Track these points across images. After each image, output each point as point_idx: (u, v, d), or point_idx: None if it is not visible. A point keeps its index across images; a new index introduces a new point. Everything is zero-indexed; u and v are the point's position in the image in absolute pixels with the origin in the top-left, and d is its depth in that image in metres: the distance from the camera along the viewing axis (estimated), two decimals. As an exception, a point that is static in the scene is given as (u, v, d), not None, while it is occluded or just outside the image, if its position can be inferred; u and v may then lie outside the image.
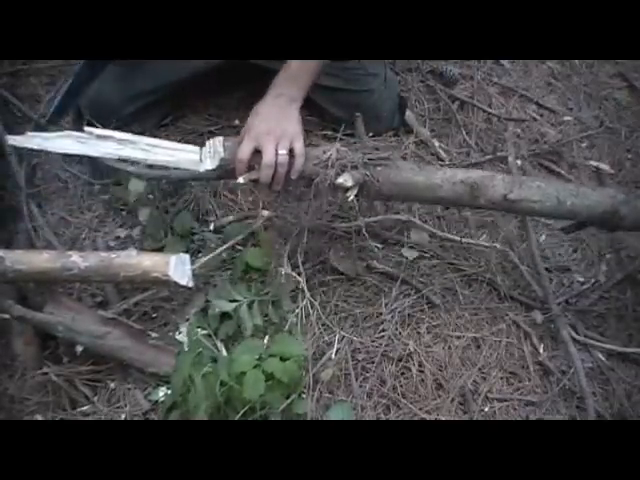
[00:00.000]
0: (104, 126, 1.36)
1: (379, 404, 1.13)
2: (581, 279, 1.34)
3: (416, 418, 1.11)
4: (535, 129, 1.63)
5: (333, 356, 1.15)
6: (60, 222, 1.33)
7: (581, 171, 1.56)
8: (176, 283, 1.06)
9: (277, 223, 1.28)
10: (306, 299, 1.16)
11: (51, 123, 1.37)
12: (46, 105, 1.47)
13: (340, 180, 1.05)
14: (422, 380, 1.16)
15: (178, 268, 1.06)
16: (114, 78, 1.35)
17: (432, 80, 1.67)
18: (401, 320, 1.22)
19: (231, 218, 1.32)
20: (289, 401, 1.04)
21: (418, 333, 1.22)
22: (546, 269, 1.32)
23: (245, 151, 1.05)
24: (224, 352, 1.12)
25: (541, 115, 1.67)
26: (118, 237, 1.31)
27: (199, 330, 1.14)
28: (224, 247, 1.18)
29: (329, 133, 1.50)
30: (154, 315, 1.20)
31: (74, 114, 1.39)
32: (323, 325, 1.19)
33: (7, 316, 1.10)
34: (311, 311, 1.17)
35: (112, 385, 1.12)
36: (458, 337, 1.22)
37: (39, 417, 1.08)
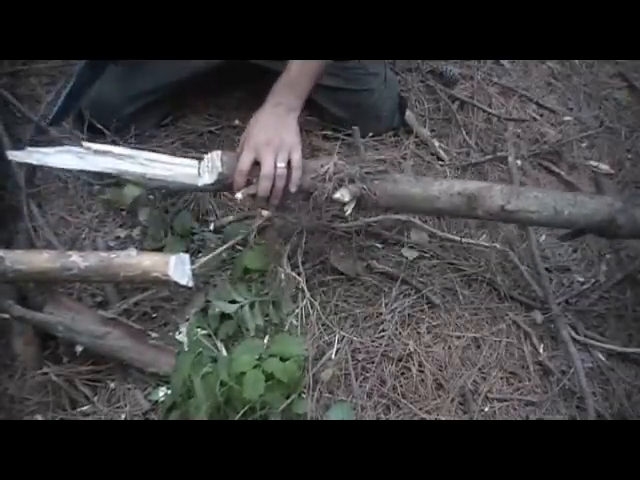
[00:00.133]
0: (104, 126, 1.37)
1: (379, 404, 1.13)
2: (581, 279, 1.34)
3: (416, 418, 1.11)
4: (535, 129, 1.63)
5: (333, 356, 1.15)
6: (60, 222, 1.33)
7: (581, 171, 1.56)
8: (176, 283, 1.06)
9: (277, 223, 1.28)
10: (306, 299, 1.16)
11: (53, 125, 1.38)
12: (47, 106, 1.46)
13: (337, 195, 1.05)
14: (422, 380, 1.16)
15: (178, 268, 1.06)
16: (114, 78, 1.35)
17: (432, 80, 1.67)
18: (401, 320, 1.22)
19: (231, 218, 1.33)
20: (289, 401, 1.04)
21: (418, 333, 1.22)
22: (546, 269, 1.32)
23: (245, 162, 1.05)
24: (224, 352, 1.12)
25: (541, 115, 1.67)
26: (118, 237, 1.31)
27: (199, 330, 1.14)
28: (224, 247, 1.18)
29: (329, 133, 1.50)
30: (154, 315, 1.20)
31: (75, 115, 1.39)
32: (323, 325, 1.19)
33: (7, 316, 1.10)
34: (311, 311, 1.17)
35: (112, 385, 1.12)
36: (458, 337, 1.22)
37: (39, 417, 1.08)
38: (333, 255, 1.26)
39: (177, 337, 1.16)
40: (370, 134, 1.50)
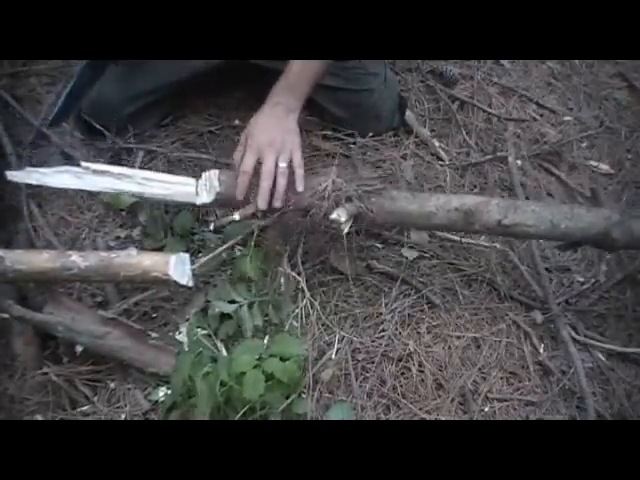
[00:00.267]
0: (104, 126, 1.37)
1: (379, 404, 1.13)
2: (581, 279, 1.34)
3: (416, 418, 1.11)
4: (535, 129, 1.63)
5: (333, 356, 1.15)
6: (60, 222, 1.33)
7: (581, 171, 1.56)
8: (176, 283, 1.06)
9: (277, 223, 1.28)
10: (306, 299, 1.16)
11: (53, 126, 1.38)
12: (48, 108, 1.46)
13: (334, 216, 1.06)
14: (422, 380, 1.16)
15: (178, 268, 1.06)
16: (114, 78, 1.35)
17: (432, 80, 1.67)
18: (401, 320, 1.22)
19: (231, 218, 1.32)
20: (289, 401, 1.04)
21: (418, 333, 1.22)
22: (546, 269, 1.32)
23: (249, 163, 1.06)
24: (224, 352, 1.12)
25: (541, 115, 1.67)
26: (118, 237, 1.31)
27: (199, 330, 1.15)
28: (224, 247, 1.18)
29: (329, 133, 1.50)
30: (154, 315, 1.20)
31: (75, 116, 1.39)
32: (323, 325, 1.19)
33: (7, 316, 1.10)
34: (311, 311, 1.17)
35: (112, 385, 1.12)
36: (458, 337, 1.22)
37: (39, 417, 1.08)
38: (333, 255, 1.26)
39: (177, 337, 1.16)
40: (370, 134, 1.50)
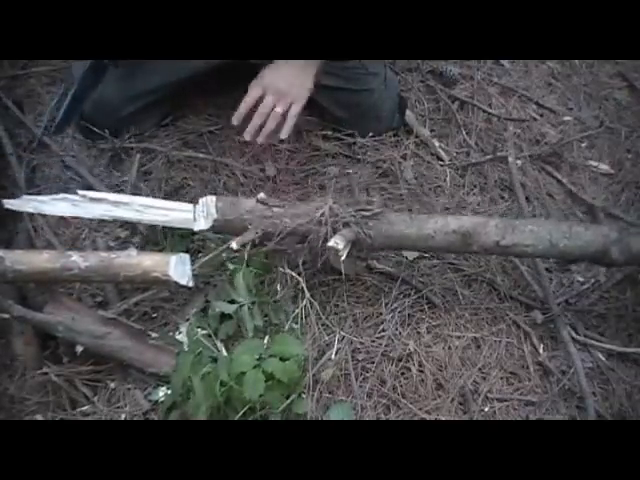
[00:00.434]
0: (105, 127, 1.37)
1: (379, 404, 1.13)
2: (581, 279, 1.34)
3: (416, 418, 1.11)
4: (535, 129, 1.62)
5: (333, 356, 1.15)
6: (60, 222, 1.33)
7: (581, 171, 1.56)
8: (176, 283, 1.06)
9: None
10: (306, 299, 1.16)
11: (56, 134, 1.38)
12: (49, 113, 1.46)
13: (331, 243, 1.06)
14: (422, 380, 1.16)
15: (178, 268, 1.06)
16: (114, 78, 1.35)
17: (432, 80, 1.67)
18: (401, 320, 1.22)
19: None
20: (289, 401, 1.04)
21: (418, 333, 1.22)
22: (546, 269, 1.32)
23: (251, 96, 1.19)
24: (224, 352, 1.12)
25: (541, 115, 1.67)
26: (118, 237, 1.31)
27: (199, 330, 1.14)
28: (224, 247, 1.18)
29: (329, 133, 1.50)
30: (154, 315, 1.20)
31: (77, 119, 1.39)
32: (323, 325, 1.19)
33: (7, 316, 1.10)
34: (311, 311, 1.17)
35: (112, 385, 1.12)
36: (458, 337, 1.22)
37: (39, 417, 1.08)
38: (333, 255, 1.26)
39: (177, 337, 1.16)
40: (370, 134, 1.50)
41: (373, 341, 1.19)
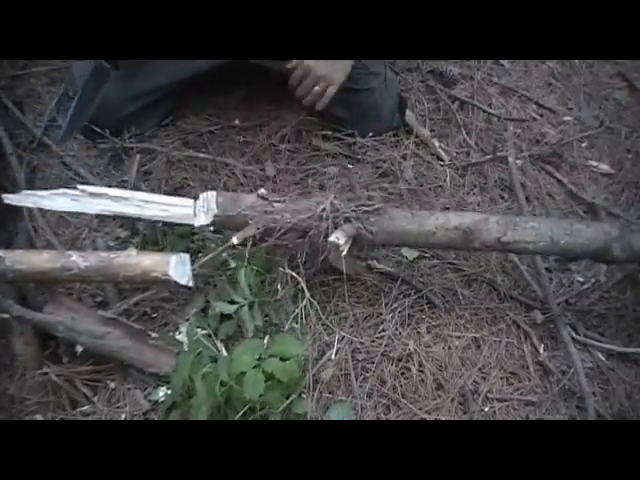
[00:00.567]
0: (105, 127, 1.37)
1: (379, 404, 1.13)
2: (581, 279, 1.34)
3: (416, 418, 1.11)
4: (535, 129, 1.63)
5: (333, 356, 1.15)
6: (60, 222, 1.33)
7: (581, 171, 1.56)
8: (176, 283, 1.06)
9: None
10: (306, 299, 1.16)
11: (63, 142, 1.38)
12: (51, 111, 1.45)
13: (332, 239, 1.06)
14: (422, 380, 1.16)
15: (178, 268, 1.06)
16: (114, 79, 1.34)
17: (432, 80, 1.67)
18: (401, 320, 1.22)
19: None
20: (289, 401, 1.04)
21: (418, 333, 1.22)
22: (546, 269, 1.32)
23: (296, 77, 1.33)
24: (224, 352, 1.12)
25: (541, 115, 1.67)
26: (118, 237, 1.31)
27: (199, 330, 1.14)
28: (224, 247, 1.18)
29: (329, 133, 1.50)
30: (154, 315, 1.20)
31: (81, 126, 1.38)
32: (323, 325, 1.19)
33: (7, 316, 1.10)
34: (311, 311, 1.17)
35: (112, 385, 1.12)
36: (458, 337, 1.22)
37: (39, 417, 1.08)
38: (333, 255, 1.26)
39: (177, 337, 1.16)
40: (370, 134, 1.50)
41: (373, 341, 1.19)
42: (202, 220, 1.12)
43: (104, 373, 1.13)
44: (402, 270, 1.28)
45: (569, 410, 1.15)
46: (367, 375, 1.15)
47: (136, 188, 1.35)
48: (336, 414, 1.08)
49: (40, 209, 1.32)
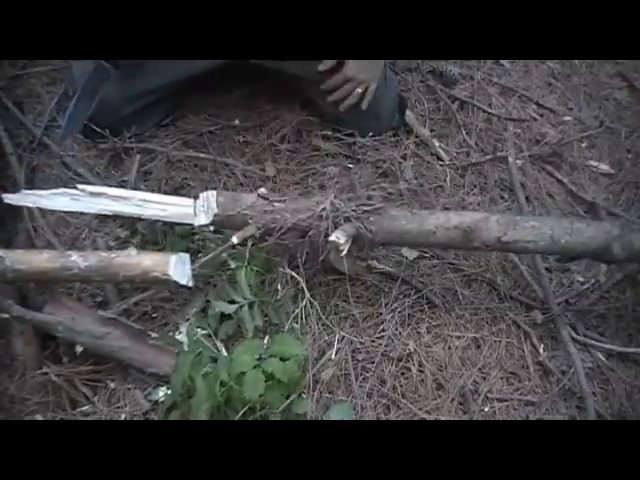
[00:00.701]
0: (105, 127, 1.37)
1: (379, 404, 1.13)
2: (581, 279, 1.34)
3: (416, 418, 1.11)
4: (535, 129, 1.62)
5: (333, 356, 1.15)
6: (60, 222, 1.33)
7: (581, 171, 1.56)
8: (176, 283, 1.06)
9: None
10: (306, 299, 1.16)
11: (63, 141, 1.38)
12: (51, 111, 1.45)
13: (332, 238, 1.05)
14: (422, 380, 1.16)
15: (178, 268, 1.06)
16: (114, 79, 1.34)
17: (432, 80, 1.67)
18: (401, 320, 1.22)
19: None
20: (289, 401, 1.04)
21: (418, 333, 1.22)
22: (546, 269, 1.32)
23: (337, 80, 1.37)
24: (224, 352, 1.12)
25: (541, 115, 1.67)
26: (118, 237, 1.31)
27: (199, 330, 1.14)
28: (224, 247, 1.18)
29: (329, 133, 1.50)
30: (154, 315, 1.20)
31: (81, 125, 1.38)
32: (323, 325, 1.19)
33: (7, 316, 1.10)
34: (311, 311, 1.17)
35: (112, 385, 1.12)
36: (458, 337, 1.22)
37: (39, 417, 1.08)
38: (333, 255, 1.26)
39: (177, 337, 1.16)
40: (370, 134, 1.50)
41: (373, 341, 1.19)
42: (202, 220, 1.12)
43: (104, 373, 1.13)
44: (402, 270, 1.28)
45: (569, 410, 1.15)
46: (367, 375, 1.15)
47: (136, 188, 1.35)
48: (336, 414, 1.08)
49: (40, 209, 1.32)
